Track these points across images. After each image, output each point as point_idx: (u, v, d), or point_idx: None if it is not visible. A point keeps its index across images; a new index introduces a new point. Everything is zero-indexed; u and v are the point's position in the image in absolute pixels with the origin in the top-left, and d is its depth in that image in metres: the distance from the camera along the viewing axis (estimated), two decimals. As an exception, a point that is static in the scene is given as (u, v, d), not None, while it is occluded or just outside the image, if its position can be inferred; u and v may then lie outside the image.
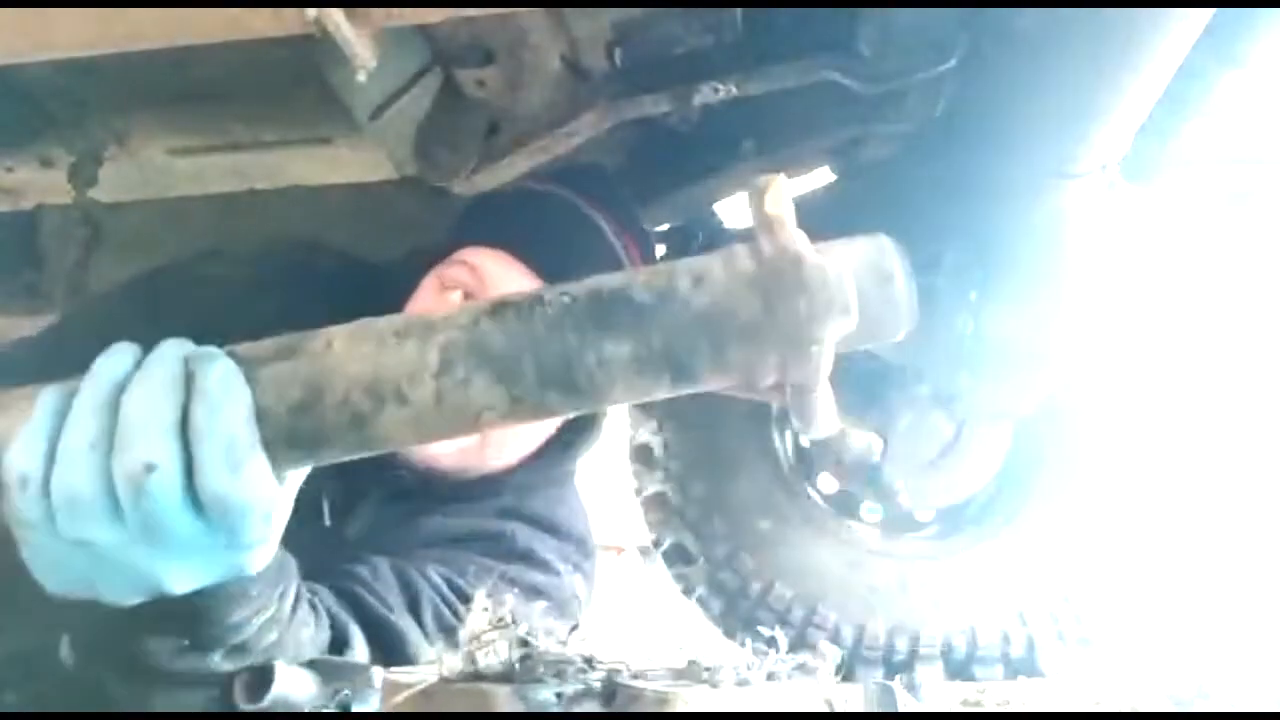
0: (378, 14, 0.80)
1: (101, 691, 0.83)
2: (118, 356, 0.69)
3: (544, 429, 1.34)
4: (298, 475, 0.74)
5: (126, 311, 1.36)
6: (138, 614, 0.74)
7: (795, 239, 0.66)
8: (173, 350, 0.69)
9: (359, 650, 1.00)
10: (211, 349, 0.69)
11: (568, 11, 1.30)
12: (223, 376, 0.67)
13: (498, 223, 1.30)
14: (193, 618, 0.77)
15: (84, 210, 1.45)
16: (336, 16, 0.77)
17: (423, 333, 0.67)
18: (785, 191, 0.69)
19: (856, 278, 0.65)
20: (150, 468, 0.64)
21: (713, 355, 0.65)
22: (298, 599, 0.90)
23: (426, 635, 1.13)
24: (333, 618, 1.02)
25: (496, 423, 0.67)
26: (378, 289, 1.42)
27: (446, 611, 1.17)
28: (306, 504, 1.30)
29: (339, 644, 1.00)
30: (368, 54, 0.81)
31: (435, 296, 1.27)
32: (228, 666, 0.82)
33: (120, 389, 0.67)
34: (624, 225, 1.39)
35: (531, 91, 1.36)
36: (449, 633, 1.13)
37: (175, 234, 1.67)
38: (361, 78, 0.83)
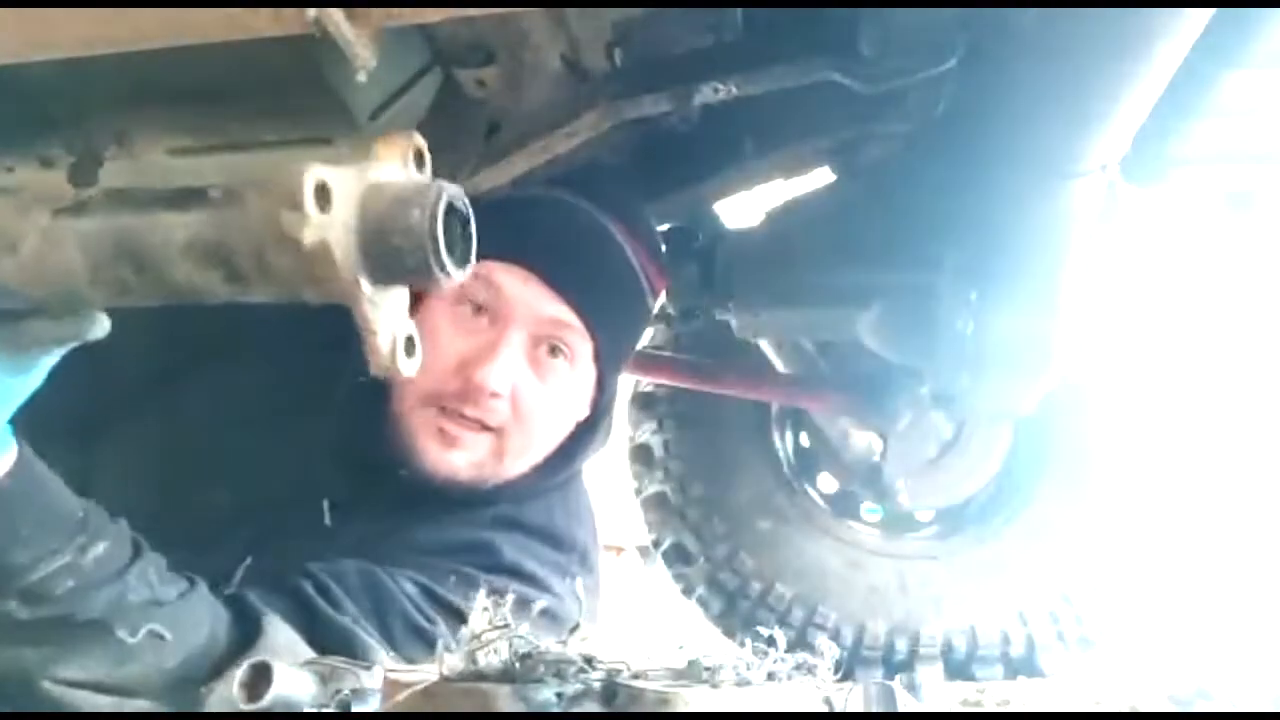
0: (378, 14, 0.80)
1: None
2: None
3: (556, 435, 1.34)
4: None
5: None
6: None
7: (350, 168, 0.71)
8: None
9: (266, 640, 1.02)
10: None
11: (568, 11, 1.30)
12: None
13: (516, 238, 1.30)
14: None
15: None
16: (336, 16, 0.77)
17: (56, 208, 0.76)
18: (402, 143, 0.75)
19: (382, 207, 0.69)
20: None
21: (255, 258, 0.70)
22: (133, 559, 0.93)
23: (394, 640, 1.14)
24: (250, 610, 1.04)
25: (85, 288, 0.76)
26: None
27: (418, 617, 1.17)
28: (308, 505, 1.31)
29: (246, 633, 1.02)
30: (368, 54, 0.81)
31: (449, 309, 1.28)
32: (26, 614, 0.86)
33: None
34: (637, 234, 1.39)
35: (531, 91, 1.36)
36: (421, 636, 1.13)
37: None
38: (361, 78, 0.83)
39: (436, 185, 0.70)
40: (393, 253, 0.68)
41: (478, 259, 1.31)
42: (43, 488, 0.87)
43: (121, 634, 0.92)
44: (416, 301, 1.31)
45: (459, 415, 1.25)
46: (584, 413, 1.38)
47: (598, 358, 1.33)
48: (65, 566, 0.86)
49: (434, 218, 0.68)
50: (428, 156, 0.77)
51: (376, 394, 1.27)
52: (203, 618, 1.00)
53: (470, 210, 0.72)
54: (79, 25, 0.80)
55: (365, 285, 0.69)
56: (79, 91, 1.41)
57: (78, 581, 0.88)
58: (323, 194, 0.68)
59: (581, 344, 1.31)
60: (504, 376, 1.24)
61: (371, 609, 1.15)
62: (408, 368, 0.71)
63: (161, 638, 0.94)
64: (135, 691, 0.95)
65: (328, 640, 1.07)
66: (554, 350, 1.30)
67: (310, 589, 1.12)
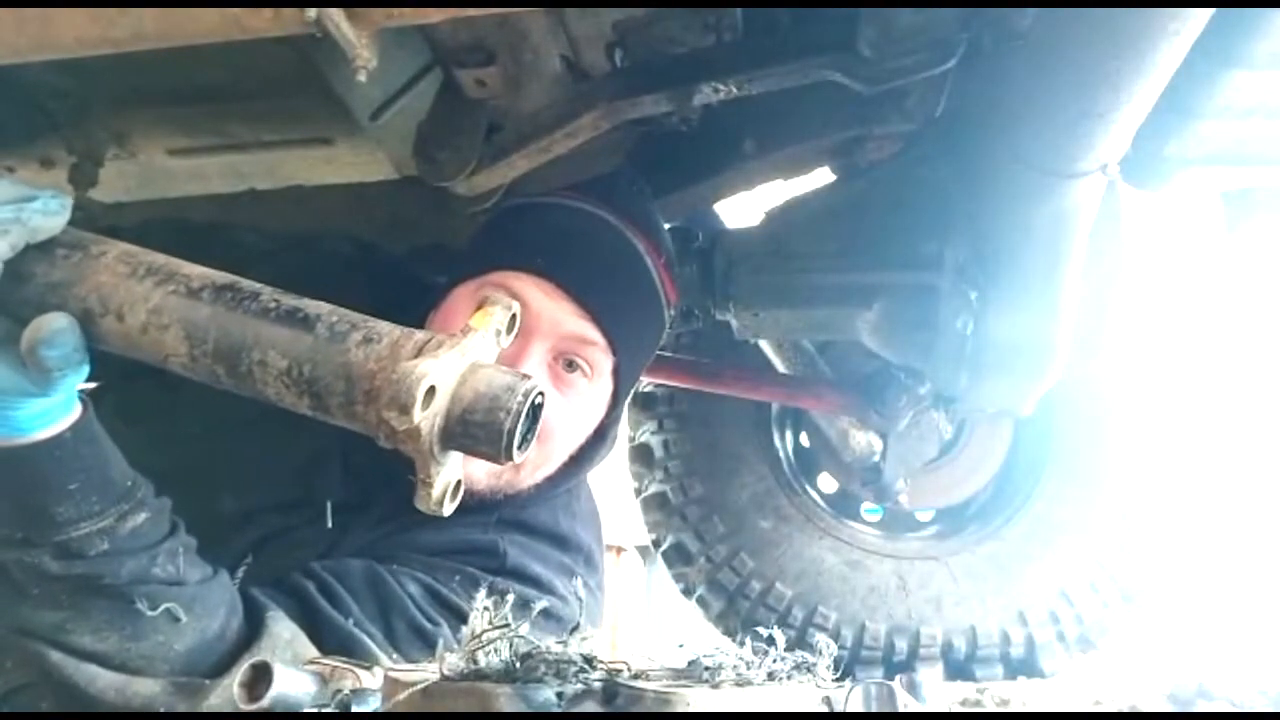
0: (378, 14, 0.80)
1: None
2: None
3: (571, 447, 1.35)
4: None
5: (160, 246, 1.40)
6: None
7: (455, 348, 0.79)
8: (50, 190, 0.87)
9: (270, 637, 1.04)
10: (68, 201, 0.88)
11: (568, 11, 1.30)
12: (57, 201, 0.86)
13: (542, 248, 1.30)
14: (17, 503, 0.88)
15: (84, 210, 1.44)
16: (336, 16, 0.77)
17: (163, 279, 0.85)
18: (500, 316, 0.85)
19: (471, 400, 0.77)
20: None
21: (343, 402, 0.79)
22: (168, 535, 0.98)
23: (397, 639, 1.15)
24: (255, 606, 1.06)
25: (178, 369, 0.84)
26: (388, 279, 1.42)
27: (420, 617, 1.17)
28: (312, 508, 1.31)
29: (251, 628, 1.05)
30: (368, 54, 0.81)
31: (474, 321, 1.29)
32: (57, 568, 0.90)
33: None
34: (658, 248, 1.39)
35: (531, 91, 1.36)
36: (424, 637, 1.14)
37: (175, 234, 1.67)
38: (361, 78, 0.83)
39: (523, 386, 0.77)
40: (472, 439, 0.77)
41: (501, 267, 1.31)
42: (98, 449, 0.93)
43: (140, 606, 0.95)
44: (437, 306, 1.32)
45: None
46: (598, 425, 1.37)
47: (616, 373, 1.32)
48: (103, 530, 0.92)
49: (518, 417, 0.76)
50: (519, 321, 0.88)
51: None
52: (219, 607, 1.02)
53: (543, 402, 0.80)
54: (79, 25, 0.80)
55: (436, 451, 0.77)
56: (79, 91, 1.41)
57: (111, 546, 0.92)
58: (429, 395, 0.75)
59: (603, 360, 1.30)
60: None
61: (376, 609, 1.15)
62: (450, 509, 0.81)
63: (177, 619, 0.97)
64: (140, 670, 0.96)
65: (329, 641, 1.07)
66: (573, 365, 1.29)
67: (313, 589, 1.12)
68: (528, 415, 0.77)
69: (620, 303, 1.32)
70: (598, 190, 1.39)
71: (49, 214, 0.86)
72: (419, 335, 0.80)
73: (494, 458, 0.76)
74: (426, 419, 0.75)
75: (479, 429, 0.75)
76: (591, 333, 1.28)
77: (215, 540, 1.21)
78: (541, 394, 0.79)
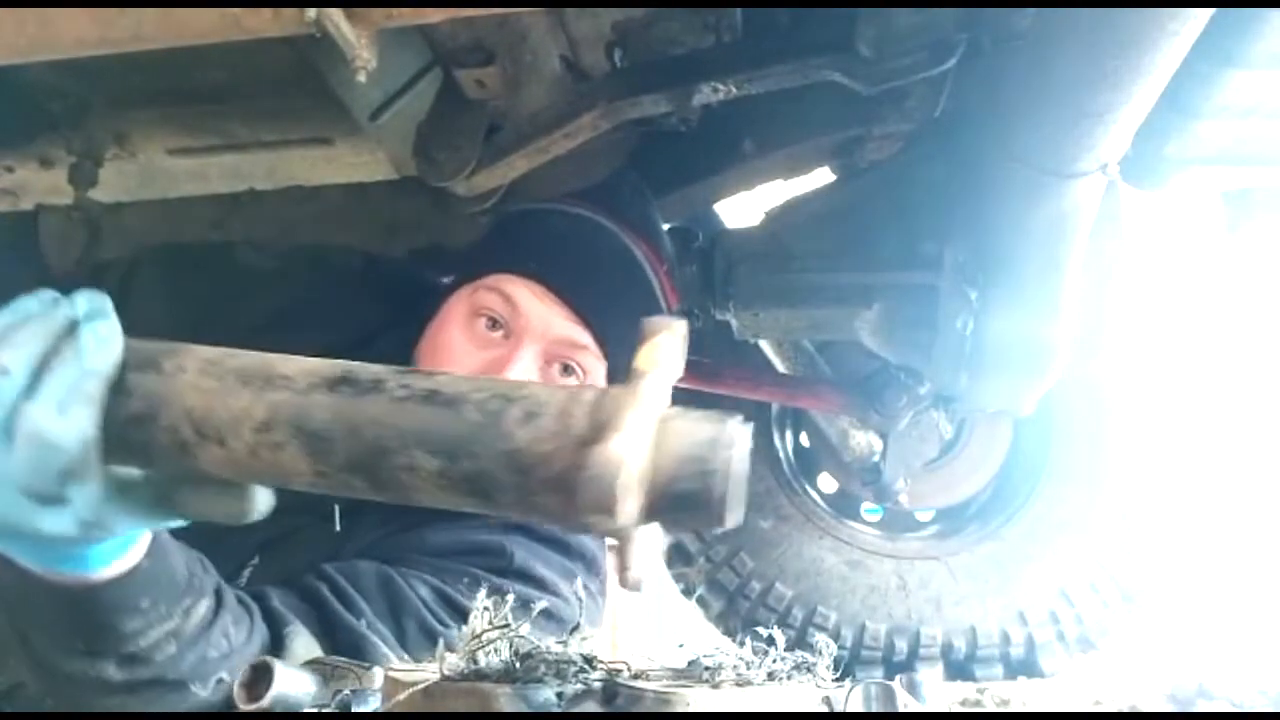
0: (378, 14, 0.80)
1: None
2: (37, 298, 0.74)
3: None
4: (154, 516, 0.75)
5: (161, 271, 1.38)
6: (35, 613, 0.78)
7: (636, 407, 0.64)
8: (80, 299, 0.74)
9: (292, 656, 1.01)
10: (107, 309, 0.74)
11: (568, 11, 1.30)
12: (102, 334, 0.72)
13: (537, 253, 1.29)
14: (84, 624, 0.80)
15: (84, 210, 1.45)
16: (336, 16, 0.77)
17: (261, 385, 0.70)
18: (668, 345, 0.69)
19: (674, 468, 0.63)
20: (3, 371, 0.68)
21: (519, 495, 0.66)
22: (218, 611, 0.93)
23: (408, 641, 1.14)
24: (275, 621, 1.04)
25: (304, 487, 0.71)
26: (396, 288, 1.41)
27: (431, 619, 1.17)
28: (319, 509, 1.30)
29: (274, 642, 1.02)
30: (367, 54, 0.81)
31: (465, 321, 1.28)
32: (120, 676, 0.85)
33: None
34: (658, 253, 1.38)
35: (531, 91, 1.36)
36: (434, 639, 1.14)
37: (175, 234, 1.67)
38: (361, 78, 0.83)
39: (727, 434, 0.64)
40: (681, 515, 0.64)
41: (494, 270, 1.28)
42: (168, 560, 0.86)
43: (196, 689, 0.92)
44: (434, 306, 1.31)
45: None
46: None
47: (611, 379, 1.31)
48: (170, 631, 0.86)
49: (729, 477, 0.63)
50: (685, 345, 0.72)
51: None
52: (256, 650, 1.00)
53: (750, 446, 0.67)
54: (79, 25, 0.80)
55: (640, 535, 0.65)
56: (79, 91, 1.41)
57: (177, 647, 0.87)
58: (629, 483, 0.62)
59: (595, 365, 1.29)
60: None
61: (387, 611, 1.15)
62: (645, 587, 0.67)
63: (222, 680, 0.95)
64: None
65: (342, 642, 1.08)
66: (566, 369, 1.28)
67: (326, 590, 1.12)
68: (739, 468, 0.64)
69: (614, 306, 1.30)
70: (598, 196, 1.39)
71: (103, 343, 0.72)
72: (586, 397, 0.67)
73: (709, 527, 0.64)
74: (630, 510, 0.62)
75: (689, 501, 0.63)
76: (582, 336, 1.27)
77: (221, 541, 1.21)
78: (749, 440, 0.66)
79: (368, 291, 1.38)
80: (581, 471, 0.61)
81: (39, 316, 0.72)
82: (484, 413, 0.66)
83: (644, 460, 0.63)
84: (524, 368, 1.24)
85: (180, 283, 1.38)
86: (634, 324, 1.34)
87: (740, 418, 0.65)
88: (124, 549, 0.79)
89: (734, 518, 0.63)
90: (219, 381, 0.71)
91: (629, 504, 0.61)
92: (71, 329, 0.71)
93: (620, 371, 1.31)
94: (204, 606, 0.91)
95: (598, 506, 0.61)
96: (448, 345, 1.26)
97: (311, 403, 0.69)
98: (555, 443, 0.64)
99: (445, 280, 1.38)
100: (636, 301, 1.35)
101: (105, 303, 0.75)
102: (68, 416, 0.68)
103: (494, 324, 1.28)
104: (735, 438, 0.64)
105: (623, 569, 0.65)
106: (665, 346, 0.69)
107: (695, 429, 0.65)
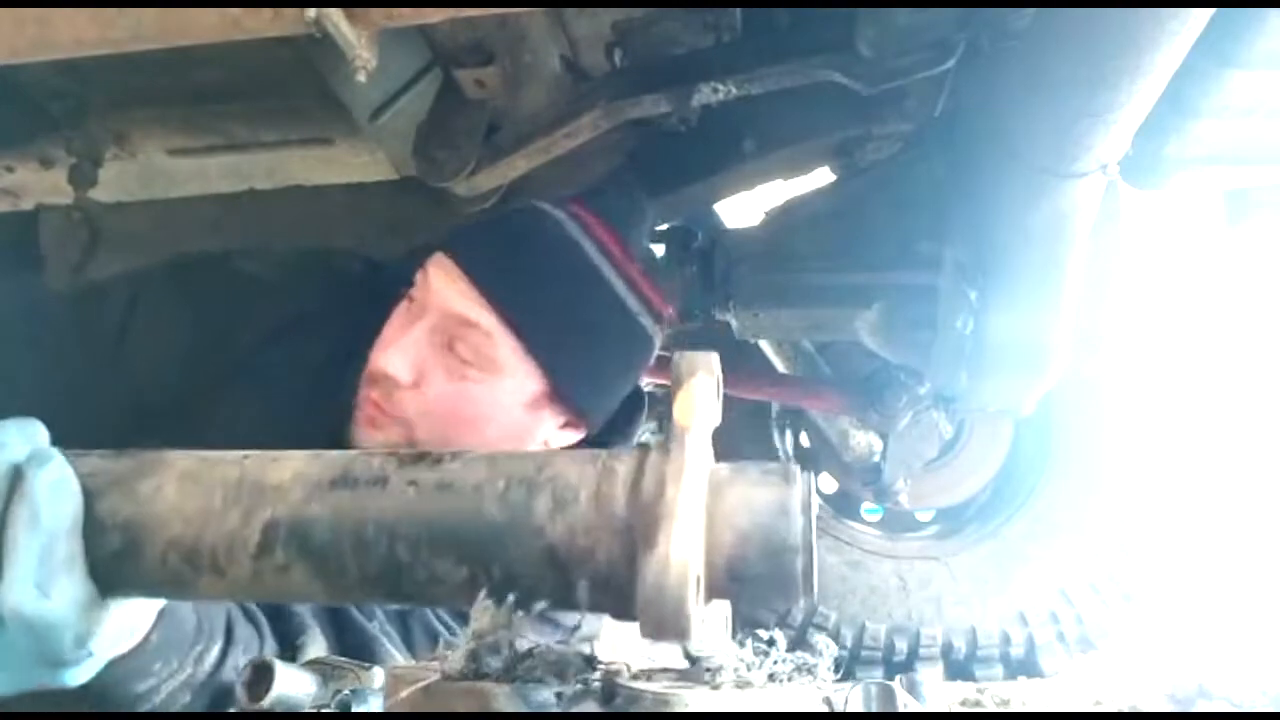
0: (378, 14, 0.80)
1: None
2: None
3: (481, 414, 1.23)
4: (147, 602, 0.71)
5: (165, 292, 1.36)
6: (39, 699, 0.72)
7: (684, 480, 0.55)
8: (11, 436, 0.65)
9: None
10: (50, 450, 0.65)
11: (568, 11, 1.30)
12: (53, 482, 0.63)
13: (462, 233, 1.24)
14: (94, 697, 0.75)
15: (84, 210, 1.45)
16: (336, 16, 0.77)
17: (251, 502, 0.63)
18: (705, 389, 0.59)
19: (739, 549, 0.56)
20: None
21: (561, 594, 0.59)
22: (227, 650, 0.90)
23: (413, 643, 1.14)
24: (292, 629, 1.03)
25: (326, 603, 0.65)
26: (392, 291, 1.40)
27: (435, 622, 1.17)
28: None
29: (289, 650, 1.01)
30: (367, 54, 0.81)
31: (404, 309, 1.22)
32: None
33: None
34: (624, 248, 1.28)
35: (531, 91, 1.36)
36: (438, 641, 1.14)
37: (175, 234, 1.67)
38: (361, 78, 0.83)
39: (796, 497, 0.56)
40: (752, 597, 0.57)
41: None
42: (178, 618, 0.81)
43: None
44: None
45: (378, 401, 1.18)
46: (562, 436, 1.26)
47: (549, 374, 1.20)
48: (184, 682, 0.84)
49: (808, 549, 0.56)
50: (721, 384, 0.62)
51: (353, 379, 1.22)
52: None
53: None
54: (79, 25, 0.80)
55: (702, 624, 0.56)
56: (79, 91, 1.41)
57: (193, 694, 0.85)
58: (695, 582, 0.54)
59: (489, 347, 1.18)
60: (396, 361, 1.15)
61: (395, 613, 1.15)
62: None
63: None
64: None
65: (352, 642, 1.08)
66: (453, 347, 1.18)
67: None
68: (811, 536, 0.56)
69: (533, 291, 1.20)
70: (575, 196, 1.32)
71: (59, 493, 0.63)
72: (620, 471, 0.59)
73: (783, 606, 0.57)
74: (699, 617, 0.54)
75: (758, 581, 0.55)
76: (481, 315, 1.16)
77: None
78: (812, 484, 0.58)
79: (369, 296, 1.37)
80: (641, 585, 0.53)
81: None
82: (507, 506, 0.59)
83: (700, 541, 0.54)
84: (410, 341, 1.17)
85: (185, 302, 1.37)
86: (565, 313, 1.28)
87: (797, 468, 0.59)
88: (134, 632, 0.75)
89: (812, 591, 0.56)
90: (203, 500, 0.63)
91: (697, 613, 0.54)
92: (14, 477, 0.63)
93: (555, 365, 1.20)
94: (215, 650, 0.88)
95: (668, 630, 0.53)
96: (387, 330, 1.21)
97: (310, 516, 0.62)
98: (595, 535, 0.57)
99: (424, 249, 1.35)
100: (570, 291, 1.24)
101: (39, 431, 0.67)
102: (52, 594, 0.62)
103: (411, 300, 1.21)
104: (802, 500, 0.56)
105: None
106: (702, 391, 0.59)
107: (755, 496, 0.57)
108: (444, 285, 1.17)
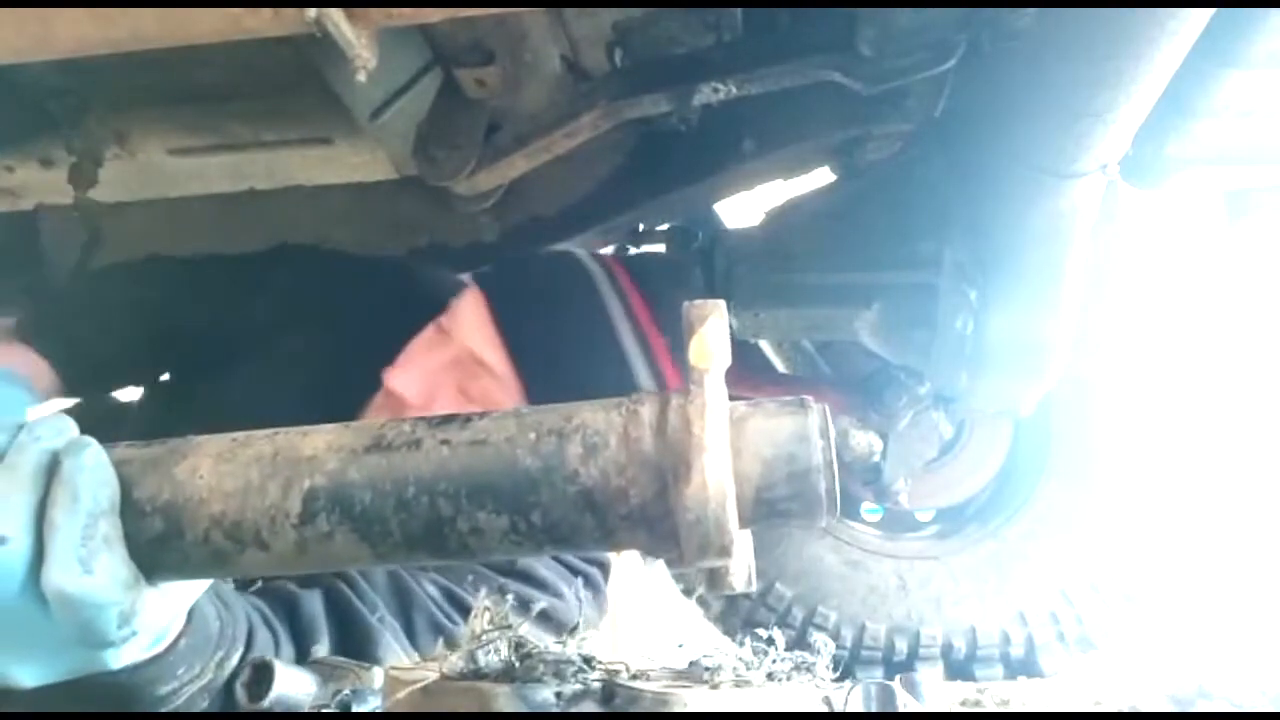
0: (378, 14, 0.80)
1: None
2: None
3: None
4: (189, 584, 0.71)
5: (129, 293, 1.38)
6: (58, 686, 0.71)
7: (707, 417, 0.59)
8: (46, 429, 0.66)
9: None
10: (85, 438, 0.66)
11: (568, 11, 1.30)
12: (91, 467, 0.64)
13: (501, 273, 1.30)
14: (116, 693, 0.75)
15: (84, 210, 1.45)
16: (336, 16, 0.77)
17: (289, 473, 0.63)
18: (718, 331, 0.62)
19: (765, 475, 0.59)
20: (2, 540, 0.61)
21: (599, 535, 0.61)
22: (248, 652, 0.89)
23: (416, 637, 1.14)
24: (303, 635, 1.03)
25: (370, 566, 0.65)
26: (400, 284, 1.40)
27: (440, 616, 1.18)
28: None
29: (300, 651, 1.01)
30: (367, 54, 0.81)
31: (431, 334, 1.26)
32: None
33: None
34: (652, 312, 1.31)
35: (531, 91, 1.36)
36: (442, 636, 1.14)
37: (175, 234, 1.67)
38: (361, 78, 0.83)
39: (813, 423, 0.59)
40: (780, 516, 0.59)
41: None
42: (204, 619, 0.82)
43: None
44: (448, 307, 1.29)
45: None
46: None
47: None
48: (204, 686, 0.83)
49: (829, 468, 0.59)
50: (728, 328, 0.64)
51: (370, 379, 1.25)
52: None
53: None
54: (79, 25, 0.80)
55: (737, 546, 0.59)
56: (79, 91, 1.41)
57: (210, 698, 0.84)
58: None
59: (500, 394, 1.23)
60: (409, 385, 1.20)
61: (398, 609, 1.16)
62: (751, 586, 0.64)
63: None
64: None
65: (355, 636, 1.08)
66: (462, 390, 1.24)
67: (343, 585, 1.13)
68: (830, 457, 0.59)
69: (550, 349, 1.24)
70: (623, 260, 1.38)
71: (97, 477, 0.64)
72: (644, 413, 0.61)
73: (809, 525, 0.60)
74: (738, 538, 0.57)
75: (786, 503, 0.58)
76: (494, 359, 1.23)
77: None
78: (827, 412, 0.61)
79: (401, 304, 1.38)
80: (682, 516, 0.56)
81: (10, 460, 0.64)
82: (540, 456, 0.61)
83: (728, 470, 0.57)
84: (428, 365, 1.22)
85: (167, 295, 1.39)
86: (571, 373, 1.28)
87: (810, 398, 0.62)
88: (165, 635, 0.75)
89: (836, 508, 0.60)
90: (240, 476, 0.64)
91: (736, 534, 0.57)
92: (52, 464, 0.64)
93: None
94: (236, 656, 0.87)
95: (711, 551, 0.56)
96: (411, 351, 1.25)
97: (349, 481, 0.62)
98: (629, 474, 0.59)
99: (461, 278, 1.37)
100: (584, 353, 1.28)
101: (70, 425, 0.67)
102: (94, 571, 0.62)
103: (440, 328, 1.26)
104: (819, 425, 0.59)
105: (723, 578, 0.61)
106: (715, 334, 0.62)
107: (775, 426, 0.60)
108: (473, 325, 1.22)
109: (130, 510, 0.64)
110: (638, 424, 0.61)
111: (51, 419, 0.67)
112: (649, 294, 1.32)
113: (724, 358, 0.62)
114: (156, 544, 0.64)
